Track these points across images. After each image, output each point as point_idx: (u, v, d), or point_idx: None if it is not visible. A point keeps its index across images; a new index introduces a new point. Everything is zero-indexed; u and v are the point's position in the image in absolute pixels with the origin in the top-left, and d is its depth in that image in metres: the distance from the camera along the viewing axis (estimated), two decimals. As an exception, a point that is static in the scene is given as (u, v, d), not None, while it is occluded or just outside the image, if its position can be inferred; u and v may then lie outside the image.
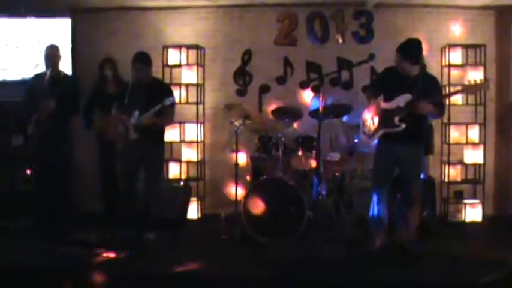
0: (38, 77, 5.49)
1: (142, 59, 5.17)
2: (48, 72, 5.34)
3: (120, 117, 5.10)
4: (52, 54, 5.43)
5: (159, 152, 5.36)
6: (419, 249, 4.77)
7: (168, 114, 5.19)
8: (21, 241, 5.16)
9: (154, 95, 4.98)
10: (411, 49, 4.71)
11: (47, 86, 5.29)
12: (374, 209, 4.92)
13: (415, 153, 4.82)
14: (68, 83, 5.45)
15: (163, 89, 5.25)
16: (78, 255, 4.65)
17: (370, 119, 4.89)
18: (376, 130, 4.82)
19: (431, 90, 4.68)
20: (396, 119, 4.69)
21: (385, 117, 4.76)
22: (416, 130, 4.76)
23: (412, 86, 4.65)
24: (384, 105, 4.78)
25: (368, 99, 5.01)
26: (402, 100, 4.67)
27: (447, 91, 6.26)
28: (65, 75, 5.60)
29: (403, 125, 4.67)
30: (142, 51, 5.32)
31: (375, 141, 4.87)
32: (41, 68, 5.79)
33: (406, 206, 4.85)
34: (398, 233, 4.87)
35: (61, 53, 5.56)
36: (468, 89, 4.71)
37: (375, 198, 4.90)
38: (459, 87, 4.78)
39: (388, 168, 4.88)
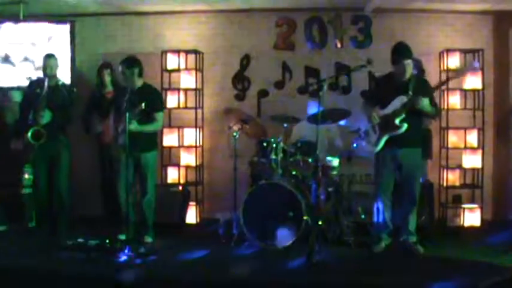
0: (35, 83, 5.48)
1: (127, 63, 5.20)
2: (46, 82, 5.32)
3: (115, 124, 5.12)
4: (50, 64, 5.42)
5: (151, 158, 5.35)
6: (421, 249, 4.90)
7: (154, 120, 5.22)
8: (19, 245, 5.15)
9: (141, 100, 4.94)
10: (405, 47, 4.87)
11: (44, 96, 5.28)
12: (379, 214, 5.01)
13: (415, 155, 4.95)
14: (63, 93, 5.45)
15: (150, 94, 5.23)
16: (77, 259, 4.64)
17: (372, 128, 4.99)
18: (380, 137, 4.91)
19: (423, 88, 4.83)
20: (397, 121, 4.80)
21: (386, 123, 4.86)
22: (414, 131, 4.88)
23: (405, 88, 4.79)
24: (381, 112, 4.90)
25: (366, 111, 5.09)
26: (397, 103, 4.80)
27: (445, 96, 6.29)
28: (63, 84, 5.59)
29: (405, 125, 4.78)
30: (131, 55, 5.35)
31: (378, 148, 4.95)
32: (37, 73, 5.83)
33: (409, 207, 4.96)
34: (402, 235, 4.99)
35: (58, 62, 5.55)
36: (458, 74, 5.09)
37: (379, 205, 5.00)
38: (451, 74, 5.09)
39: (391, 175, 5.00)
